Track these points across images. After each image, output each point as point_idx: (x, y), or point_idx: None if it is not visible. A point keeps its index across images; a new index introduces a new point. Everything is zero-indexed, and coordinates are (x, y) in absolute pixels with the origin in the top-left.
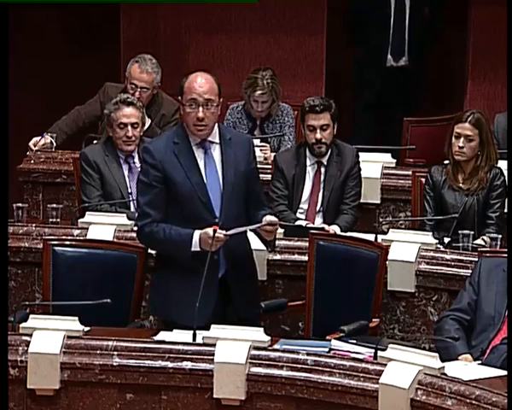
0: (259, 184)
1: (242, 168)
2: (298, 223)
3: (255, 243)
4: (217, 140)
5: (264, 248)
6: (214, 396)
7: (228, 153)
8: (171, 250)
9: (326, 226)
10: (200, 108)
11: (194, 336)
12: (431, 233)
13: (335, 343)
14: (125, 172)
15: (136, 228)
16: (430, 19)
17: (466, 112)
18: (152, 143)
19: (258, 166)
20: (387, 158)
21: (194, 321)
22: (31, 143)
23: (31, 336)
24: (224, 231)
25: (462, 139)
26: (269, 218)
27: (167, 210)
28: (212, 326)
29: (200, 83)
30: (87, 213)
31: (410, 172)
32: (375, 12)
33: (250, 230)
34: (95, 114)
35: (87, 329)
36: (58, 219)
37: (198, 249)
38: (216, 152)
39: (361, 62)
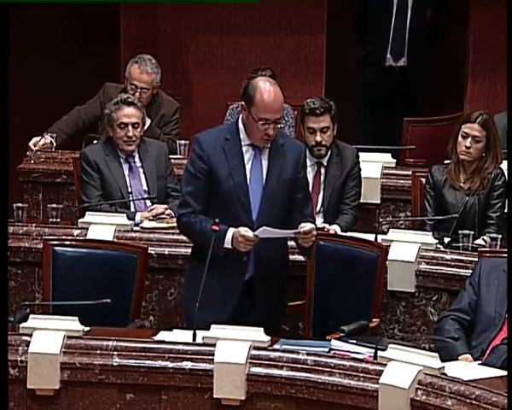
0: (306, 194)
1: (288, 176)
2: None
3: None
4: (267, 144)
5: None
6: (214, 396)
7: (276, 159)
8: (205, 243)
9: (326, 226)
10: (272, 126)
11: (195, 336)
12: (431, 233)
13: (335, 343)
14: (126, 172)
15: (135, 229)
16: (432, 21)
17: (474, 112)
18: (203, 135)
19: None
20: (387, 158)
21: (211, 319)
22: (31, 143)
23: (31, 336)
24: (250, 231)
25: (469, 139)
26: (304, 226)
27: (209, 204)
28: (212, 326)
29: (273, 100)
30: (87, 213)
31: (410, 172)
32: (378, 12)
33: (280, 236)
34: (95, 114)
35: (87, 329)
36: (58, 219)
37: (230, 247)
38: (264, 156)
39: (362, 62)
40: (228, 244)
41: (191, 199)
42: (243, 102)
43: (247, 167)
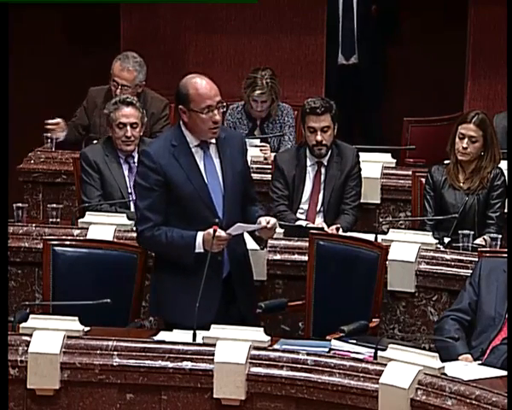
0: (251, 180)
1: (239, 167)
2: (298, 223)
3: (248, 243)
4: (213, 140)
5: (257, 246)
6: (214, 396)
7: (225, 152)
8: (174, 253)
9: (326, 227)
10: (216, 111)
11: (194, 336)
12: (431, 233)
13: (335, 343)
14: (125, 172)
15: (135, 232)
16: (378, 14)
17: (470, 112)
18: (150, 146)
19: (259, 166)
20: (387, 158)
21: (197, 322)
22: (47, 121)
23: (31, 336)
24: (222, 231)
25: (466, 140)
26: (268, 219)
27: (168, 212)
28: (212, 326)
29: (208, 86)
30: (87, 213)
31: (410, 172)
32: (328, 11)
33: (251, 230)
34: (82, 124)
35: (87, 329)
36: (58, 219)
37: (202, 251)
38: (213, 153)
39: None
40: (199, 249)
41: (150, 213)
42: (181, 106)
43: (201, 167)
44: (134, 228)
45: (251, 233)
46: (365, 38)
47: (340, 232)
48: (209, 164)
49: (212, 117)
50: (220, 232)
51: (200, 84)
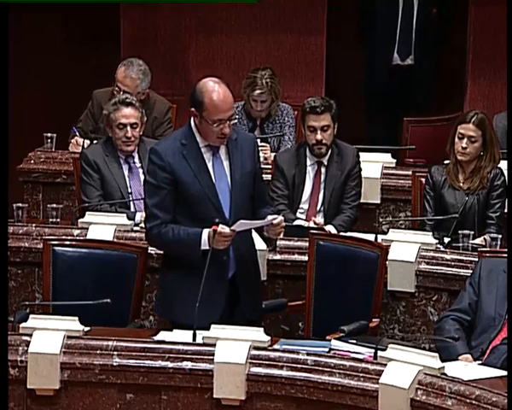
0: (263, 183)
1: (249, 169)
2: (296, 222)
3: (257, 243)
4: (224, 142)
5: (265, 246)
6: (214, 396)
7: (234, 154)
8: (181, 250)
9: (322, 222)
10: (226, 124)
11: (194, 336)
12: (431, 233)
13: (335, 343)
14: (125, 172)
15: (135, 229)
16: (437, 19)
17: (469, 112)
18: (159, 145)
19: None
20: (387, 158)
21: (202, 322)
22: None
23: (31, 336)
24: (226, 227)
25: (465, 140)
26: (274, 217)
27: (176, 210)
28: (212, 326)
29: (223, 99)
30: (87, 213)
31: (410, 172)
32: (383, 13)
33: (255, 226)
34: (87, 128)
35: (87, 329)
36: (58, 219)
37: (207, 248)
38: (223, 153)
39: (369, 62)
40: (205, 246)
41: (158, 210)
42: (193, 109)
43: (210, 167)
44: (135, 226)
45: (260, 233)
46: (423, 40)
47: (335, 231)
48: (218, 164)
49: (221, 129)
50: (224, 228)
51: (216, 94)
